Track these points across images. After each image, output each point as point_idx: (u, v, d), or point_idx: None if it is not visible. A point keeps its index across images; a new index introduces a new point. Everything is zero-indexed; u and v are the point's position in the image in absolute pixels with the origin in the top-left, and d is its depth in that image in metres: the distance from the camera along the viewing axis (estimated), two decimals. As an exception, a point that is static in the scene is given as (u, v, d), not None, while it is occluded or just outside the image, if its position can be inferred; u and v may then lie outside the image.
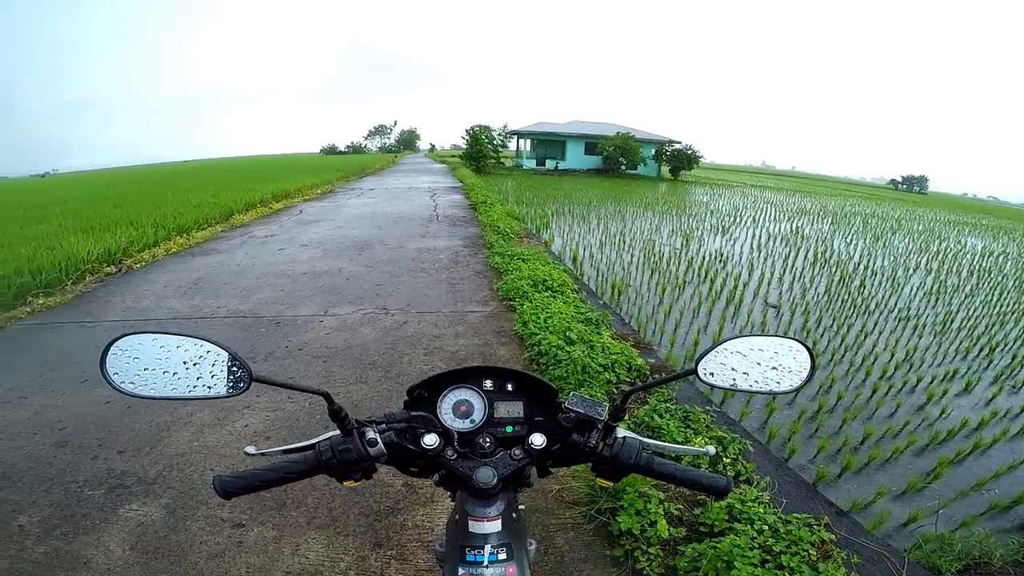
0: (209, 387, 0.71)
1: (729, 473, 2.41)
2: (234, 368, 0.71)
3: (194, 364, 0.70)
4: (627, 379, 3.35)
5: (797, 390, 0.77)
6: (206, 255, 6.92)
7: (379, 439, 0.76)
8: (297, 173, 20.60)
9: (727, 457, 2.49)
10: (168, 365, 0.70)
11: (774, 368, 0.77)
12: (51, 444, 2.60)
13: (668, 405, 2.92)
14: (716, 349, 0.77)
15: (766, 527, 1.96)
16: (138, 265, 6.33)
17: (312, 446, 0.77)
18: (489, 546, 0.71)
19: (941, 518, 2.69)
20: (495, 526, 0.73)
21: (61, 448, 2.57)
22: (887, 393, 4.12)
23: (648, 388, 0.95)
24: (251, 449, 0.78)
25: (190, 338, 0.70)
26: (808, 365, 0.76)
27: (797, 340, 0.77)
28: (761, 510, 2.05)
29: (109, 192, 15.26)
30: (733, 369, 0.77)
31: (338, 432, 0.77)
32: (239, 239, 8.02)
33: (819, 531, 1.97)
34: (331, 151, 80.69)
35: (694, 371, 0.77)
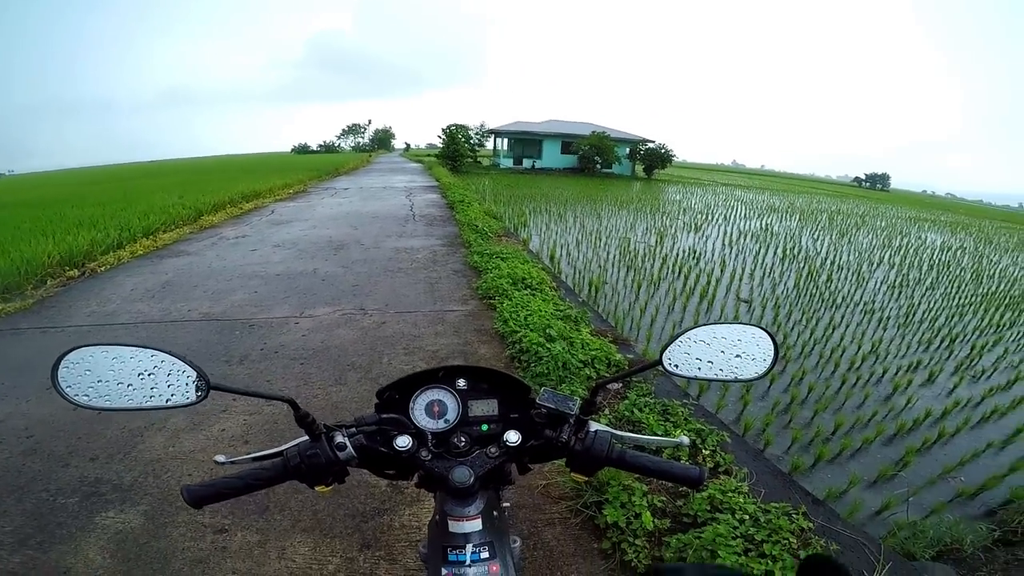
0: (165, 397, 0.70)
1: (708, 464, 2.45)
2: (190, 377, 0.71)
3: (149, 375, 0.70)
4: (607, 374, 3.40)
5: (762, 377, 0.77)
6: (174, 257, 6.71)
7: (348, 443, 0.76)
8: (268, 173, 20.13)
9: (706, 449, 2.53)
10: (122, 376, 0.69)
11: (738, 356, 0.77)
12: (19, 452, 2.50)
13: (647, 399, 2.96)
14: (680, 339, 0.77)
15: (747, 516, 1.99)
16: (102, 268, 6.10)
17: (280, 453, 0.77)
18: (471, 545, 0.71)
19: (912, 505, 2.80)
20: (475, 525, 0.73)
21: (30, 456, 2.48)
22: (855, 384, 4.28)
23: (615, 380, 0.95)
24: (221, 458, 0.77)
25: (143, 348, 0.70)
26: (772, 352, 0.77)
27: (759, 327, 0.78)
28: (741, 500, 2.09)
29: (67, 193, 14.65)
30: (698, 359, 0.77)
31: (307, 438, 0.77)
32: (209, 240, 7.81)
33: (798, 520, 2.01)
34: (303, 150, 79.16)
35: (659, 362, 0.77)
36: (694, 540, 1.88)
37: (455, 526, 0.73)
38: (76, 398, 0.68)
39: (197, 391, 0.71)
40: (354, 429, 0.79)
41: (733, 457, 2.55)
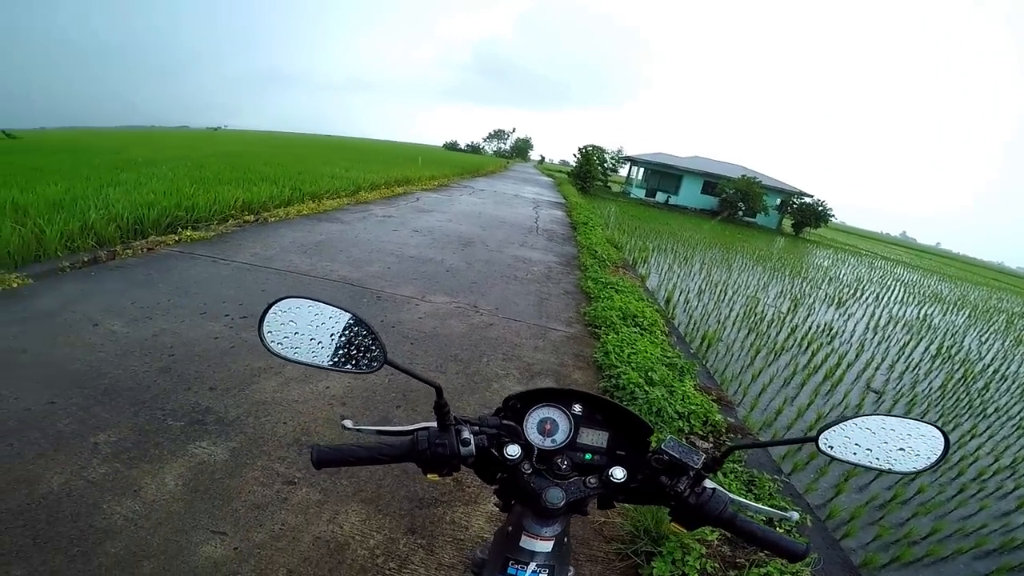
0: (345, 361, 0.74)
1: None
2: (373, 347, 0.75)
3: (340, 336, 0.74)
4: (700, 432, 3.22)
5: (920, 472, 0.74)
6: (330, 222, 7.65)
7: (472, 440, 0.78)
8: (422, 163, 21.97)
9: (782, 528, 2.35)
10: (316, 333, 0.74)
11: (901, 450, 0.73)
12: (156, 368, 2.82)
13: (735, 466, 2.79)
14: (845, 423, 0.74)
15: None
16: (272, 219, 7.17)
17: (409, 432, 0.80)
18: (535, 564, 0.72)
19: None
20: (546, 546, 0.74)
21: (163, 374, 2.78)
22: (974, 495, 3.67)
23: (758, 447, 0.92)
24: (348, 423, 0.79)
25: (343, 311, 0.74)
26: (940, 452, 0.73)
27: (938, 427, 0.73)
28: None
29: (260, 150, 17.29)
30: (857, 444, 0.74)
31: (434, 424, 0.79)
32: (360, 214, 8.77)
33: None
34: (452, 147, 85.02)
35: (815, 439, 0.75)
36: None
37: (528, 542, 0.74)
38: (271, 344, 0.73)
39: (374, 362, 0.75)
40: (478, 428, 0.82)
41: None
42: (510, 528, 0.79)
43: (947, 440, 0.73)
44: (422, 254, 6.53)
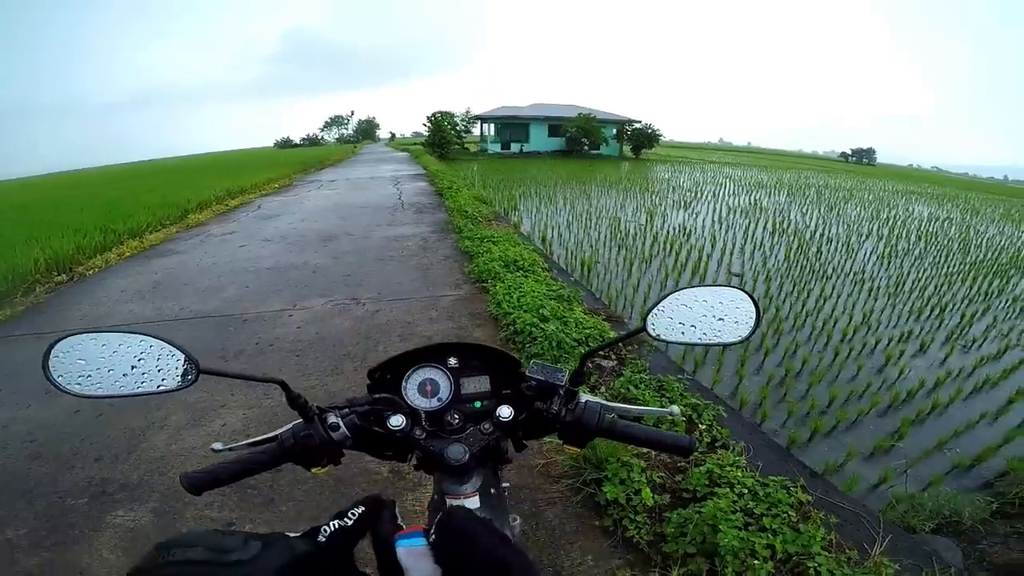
0: (156, 382, 0.70)
1: (705, 439, 2.40)
2: (180, 361, 0.71)
3: (139, 360, 0.69)
4: (601, 354, 3.41)
5: (744, 340, 0.75)
6: (163, 257, 6.65)
7: (341, 423, 0.75)
8: (252, 169, 19.90)
9: (702, 423, 2.49)
10: (112, 363, 0.68)
11: (720, 319, 0.75)
12: (24, 457, 2.52)
13: (643, 376, 2.97)
14: (662, 303, 0.75)
15: (745, 490, 1.96)
16: (90, 272, 6.04)
17: (276, 437, 0.77)
18: None
19: (910, 478, 2.76)
20: (473, 502, 0.73)
21: (35, 460, 2.49)
22: (848, 356, 4.31)
23: (601, 349, 0.93)
24: (218, 445, 0.78)
25: (131, 334, 0.69)
26: (753, 315, 0.74)
27: (740, 288, 0.75)
28: (739, 474, 2.05)
29: (48, 197, 14.40)
30: (680, 323, 0.75)
31: (300, 420, 0.76)
32: (197, 239, 7.73)
33: (796, 493, 1.97)
34: (286, 144, 77.92)
35: (643, 328, 0.75)
36: (695, 515, 1.84)
37: (453, 504, 0.73)
38: (68, 387, 0.67)
39: (187, 375, 0.70)
40: (347, 410, 0.78)
41: (730, 431, 2.51)
42: (436, 496, 0.78)
43: (755, 300, 0.74)
44: (281, 262, 5.97)
